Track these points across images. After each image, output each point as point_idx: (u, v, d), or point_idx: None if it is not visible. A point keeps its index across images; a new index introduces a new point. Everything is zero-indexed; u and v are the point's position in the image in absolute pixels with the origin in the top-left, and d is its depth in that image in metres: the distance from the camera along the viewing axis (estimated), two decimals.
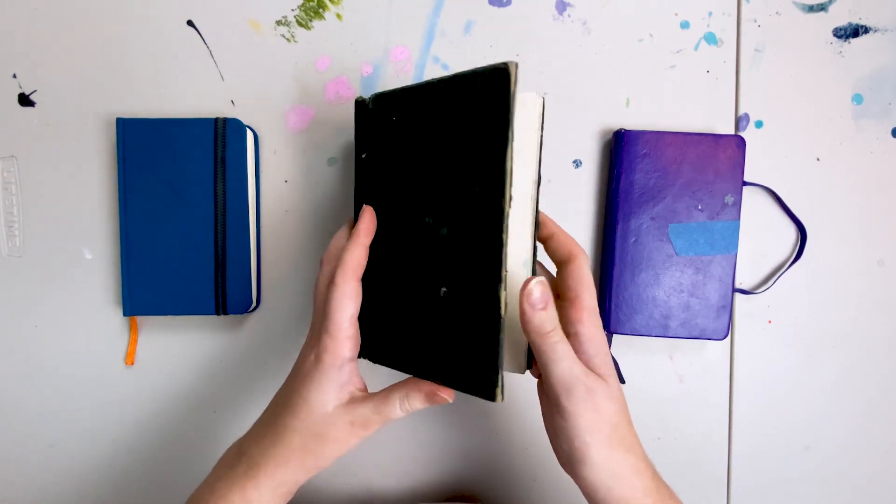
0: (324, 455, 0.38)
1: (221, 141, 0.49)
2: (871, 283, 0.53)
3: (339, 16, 0.52)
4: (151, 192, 0.49)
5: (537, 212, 0.38)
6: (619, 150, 0.50)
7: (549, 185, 0.52)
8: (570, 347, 0.36)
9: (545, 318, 0.35)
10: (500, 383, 0.34)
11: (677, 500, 0.39)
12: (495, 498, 0.54)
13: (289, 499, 0.39)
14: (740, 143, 0.49)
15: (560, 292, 0.40)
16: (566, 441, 0.36)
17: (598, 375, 0.36)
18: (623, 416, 0.37)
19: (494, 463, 0.54)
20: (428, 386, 0.38)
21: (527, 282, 0.35)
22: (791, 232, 0.53)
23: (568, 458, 0.37)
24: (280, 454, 0.38)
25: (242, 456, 0.40)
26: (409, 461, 0.54)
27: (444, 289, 0.37)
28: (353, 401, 0.38)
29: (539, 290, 0.35)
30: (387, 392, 0.38)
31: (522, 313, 0.35)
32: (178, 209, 0.49)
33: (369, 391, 0.40)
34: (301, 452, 0.38)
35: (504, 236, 0.34)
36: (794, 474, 0.54)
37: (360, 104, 0.44)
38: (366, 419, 0.37)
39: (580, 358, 0.36)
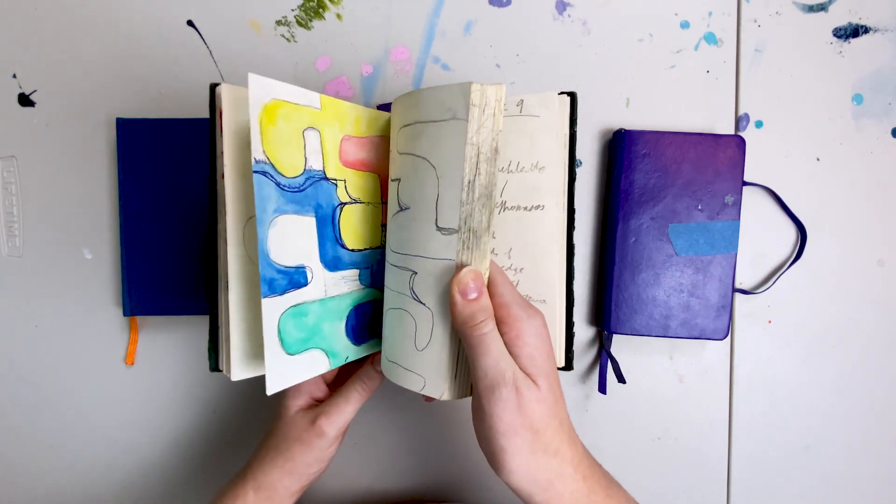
0: (293, 455, 0.41)
1: None
2: (871, 283, 0.53)
3: (339, 16, 0.52)
4: (151, 192, 0.49)
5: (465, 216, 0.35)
6: (619, 150, 0.50)
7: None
8: (500, 343, 0.34)
9: (476, 308, 0.34)
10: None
11: (616, 496, 0.37)
12: (498, 499, 0.54)
13: None
14: (740, 143, 0.49)
15: None
16: (485, 443, 0.35)
17: (528, 375, 0.34)
18: (551, 420, 0.34)
19: None
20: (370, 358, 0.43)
21: (457, 271, 0.34)
22: (791, 232, 0.53)
23: (489, 460, 0.35)
24: (260, 454, 0.43)
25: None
26: (411, 463, 0.54)
27: None
28: (312, 403, 0.43)
29: (471, 279, 0.34)
30: (342, 388, 0.43)
31: (452, 303, 0.34)
32: (178, 209, 0.49)
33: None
34: (274, 452, 0.42)
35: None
36: (794, 474, 0.54)
37: None
38: (325, 415, 0.41)
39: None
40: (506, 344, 0.34)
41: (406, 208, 0.37)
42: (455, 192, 0.34)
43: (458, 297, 0.34)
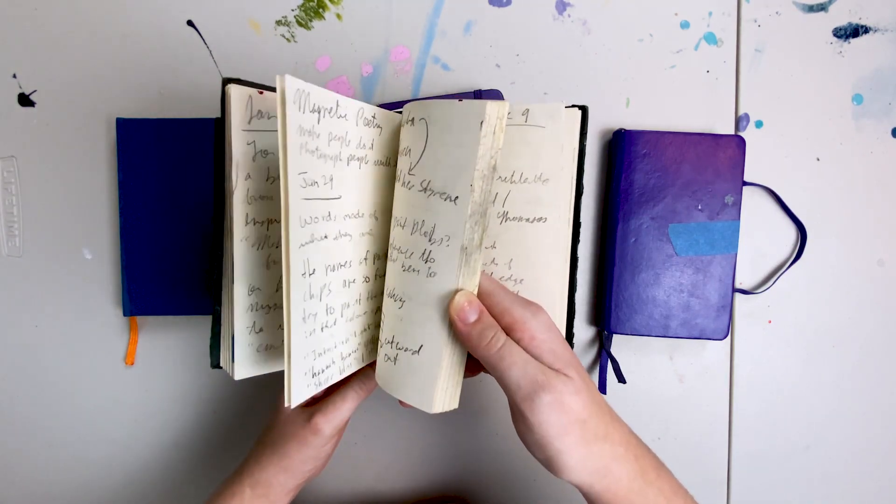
0: (288, 452, 0.41)
1: None
2: (871, 283, 0.53)
3: (339, 16, 0.52)
4: (151, 192, 0.49)
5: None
6: (619, 150, 0.50)
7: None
8: (518, 349, 0.34)
9: (482, 327, 0.34)
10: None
11: (666, 475, 0.37)
12: (498, 498, 0.54)
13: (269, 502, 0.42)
14: (740, 143, 0.49)
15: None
16: (538, 451, 0.35)
17: (556, 371, 0.34)
18: (592, 406, 0.34)
19: (496, 463, 0.54)
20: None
21: (453, 297, 0.34)
22: (791, 232, 0.53)
23: (546, 465, 0.35)
24: (256, 451, 0.43)
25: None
26: (411, 462, 0.54)
27: None
28: (309, 401, 0.42)
29: (465, 302, 0.34)
30: (341, 387, 0.42)
31: (458, 332, 0.34)
32: (178, 209, 0.49)
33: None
34: (271, 449, 0.42)
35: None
36: (794, 474, 0.54)
37: None
38: (322, 413, 0.41)
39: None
40: (523, 349, 0.34)
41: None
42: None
43: (460, 325, 0.34)
